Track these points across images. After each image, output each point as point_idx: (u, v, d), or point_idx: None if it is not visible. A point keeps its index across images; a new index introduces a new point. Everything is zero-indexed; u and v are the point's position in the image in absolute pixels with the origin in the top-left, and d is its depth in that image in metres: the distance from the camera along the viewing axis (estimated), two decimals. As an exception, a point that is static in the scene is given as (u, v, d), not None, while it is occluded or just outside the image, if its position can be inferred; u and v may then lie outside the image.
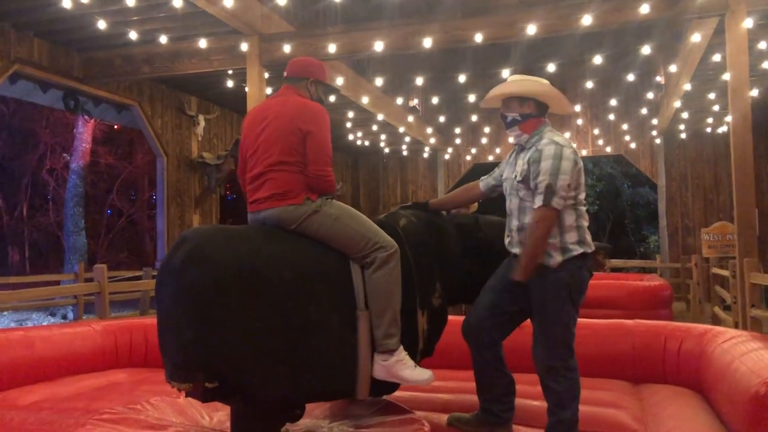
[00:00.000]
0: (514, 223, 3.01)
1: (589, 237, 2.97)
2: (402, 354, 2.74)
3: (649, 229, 22.76)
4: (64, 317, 12.89)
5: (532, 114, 3.01)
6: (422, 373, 2.78)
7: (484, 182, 3.36)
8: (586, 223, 2.97)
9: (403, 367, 2.72)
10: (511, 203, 3.02)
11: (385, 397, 3.20)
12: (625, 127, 13.10)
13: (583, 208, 2.97)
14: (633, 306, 7.26)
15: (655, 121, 12.50)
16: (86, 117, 10.44)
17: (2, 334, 4.21)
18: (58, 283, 11.43)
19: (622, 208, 24.44)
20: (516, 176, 2.97)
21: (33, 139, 19.31)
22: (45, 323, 12.28)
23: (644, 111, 12.60)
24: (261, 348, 2.51)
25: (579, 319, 4.18)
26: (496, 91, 3.06)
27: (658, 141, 13.09)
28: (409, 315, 2.87)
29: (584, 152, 13.94)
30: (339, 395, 2.84)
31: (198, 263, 2.49)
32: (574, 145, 3.00)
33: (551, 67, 8.97)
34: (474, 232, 3.27)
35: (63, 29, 7.54)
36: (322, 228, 2.75)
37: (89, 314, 9.19)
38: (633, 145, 13.30)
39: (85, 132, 16.33)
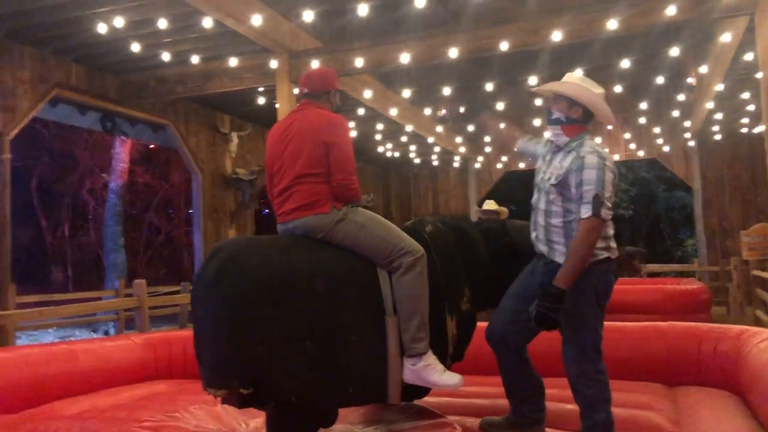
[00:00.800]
0: (540, 221, 3.03)
1: (613, 243, 2.99)
2: (431, 358, 2.78)
3: (685, 233, 22.38)
4: (106, 333, 13.18)
5: (578, 120, 3.01)
6: (452, 378, 2.81)
7: (523, 141, 3.45)
8: (611, 231, 2.99)
9: (432, 371, 2.76)
10: (539, 201, 3.04)
11: (418, 402, 3.24)
12: (656, 130, 12.95)
13: (610, 216, 2.99)
14: (670, 310, 7.16)
15: (687, 124, 12.33)
16: (123, 138, 10.75)
17: (47, 347, 4.36)
18: (99, 299, 11.70)
19: (657, 212, 24.10)
20: (550, 178, 2.97)
21: (73, 160, 19.86)
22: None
23: (676, 113, 12.44)
24: (293, 354, 2.58)
25: (612, 323, 4.19)
26: (552, 86, 3.06)
27: (691, 143, 12.90)
28: (437, 320, 2.91)
29: (616, 157, 13.81)
30: (371, 400, 2.89)
31: (230, 273, 2.58)
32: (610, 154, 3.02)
33: (578, 72, 8.93)
34: (501, 236, 3.30)
35: (99, 53, 7.79)
36: (349, 235, 2.82)
37: (130, 330, 9.40)
38: (666, 149, 13.13)
39: (122, 152, 16.77)
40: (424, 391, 2.99)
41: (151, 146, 17.75)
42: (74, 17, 6.64)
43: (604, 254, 2.92)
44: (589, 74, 9.64)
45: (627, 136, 13.30)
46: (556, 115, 3.04)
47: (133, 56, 7.72)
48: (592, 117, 3.07)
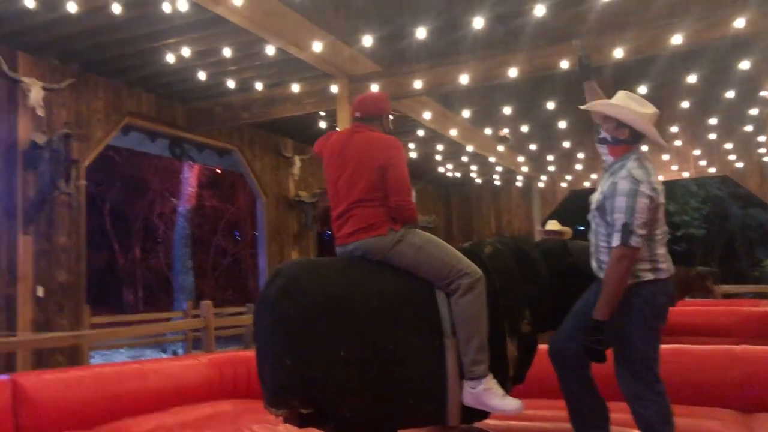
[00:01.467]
0: (592, 240, 3.02)
1: (666, 264, 2.91)
2: (491, 382, 2.75)
3: (763, 252, 21.42)
4: (174, 353, 13.53)
5: (625, 140, 2.97)
6: (511, 403, 2.77)
7: None
8: (662, 250, 2.91)
9: (491, 395, 2.73)
10: (592, 221, 3.03)
11: (477, 424, 3.21)
12: (728, 146, 12.50)
13: (662, 236, 2.91)
14: (746, 333, 6.85)
15: (762, 138, 11.86)
16: (191, 163, 11.10)
17: (119, 367, 4.52)
18: (168, 320, 12.04)
19: (731, 231, 23.18)
20: (592, 203, 2.97)
21: (144, 185, 20.62)
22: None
23: (749, 128, 11.99)
24: (351, 375, 2.61)
25: (682, 346, 4.05)
26: (598, 106, 3.03)
27: (767, 159, 12.40)
28: (497, 342, 2.88)
29: (686, 174, 13.40)
30: (430, 422, 2.88)
31: (291, 296, 2.64)
32: (660, 178, 2.95)
33: (642, 89, 8.75)
34: (562, 257, 3.25)
35: (168, 82, 8.10)
36: (407, 257, 2.83)
37: (197, 350, 9.63)
38: (739, 165, 12.66)
39: (190, 177, 17.33)
40: (483, 413, 2.95)
41: (218, 171, 18.28)
42: (145, 49, 6.95)
43: (650, 276, 2.86)
44: (654, 90, 9.45)
45: (697, 152, 12.89)
46: (603, 134, 3.01)
47: (199, 84, 8.00)
48: (642, 137, 3.00)
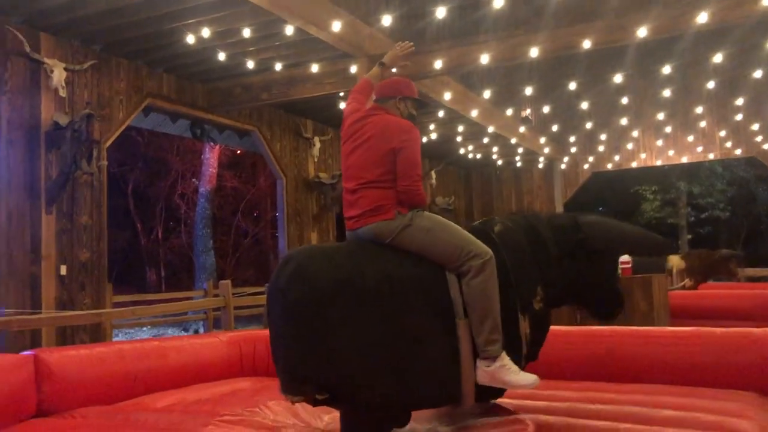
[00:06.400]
0: None
1: None
2: (505, 359, 2.76)
3: (789, 235, 21.09)
4: (196, 332, 13.71)
5: None
6: (527, 378, 2.78)
7: None
8: None
9: (506, 371, 2.74)
10: None
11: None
12: (755, 127, 12.27)
13: None
14: (769, 317, 6.79)
15: (790, 119, 11.64)
16: (212, 143, 11.15)
17: (139, 344, 4.59)
18: (189, 299, 12.19)
19: (757, 214, 22.83)
20: None
21: (165, 166, 20.77)
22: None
23: (777, 109, 11.77)
24: (365, 359, 2.61)
25: (703, 329, 4.02)
26: None
27: (794, 140, 12.17)
28: (509, 320, 2.87)
29: (711, 156, 13.20)
30: (445, 402, 2.88)
31: (301, 282, 2.64)
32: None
33: (666, 69, 8.62)
34: (574, 233, 3.18)
35: (188, 63, 8.12)
36: (416, 240, 2.83)
37: (218, 329, 9.74)
38: (766, 146, 12.43)
39: (211, 158, 17.40)
40: (498, 392, 2.96)
41: (238, 151, 18.36)
42: (164, 30, 6.96)
43: None
44: (678, 71, 9.25)
45: (722, 133, 12.68)
46: None
47: (219, 65, 8.01)
48: None
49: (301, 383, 2.64)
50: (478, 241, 2.85)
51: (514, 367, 2.77)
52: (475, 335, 2.74)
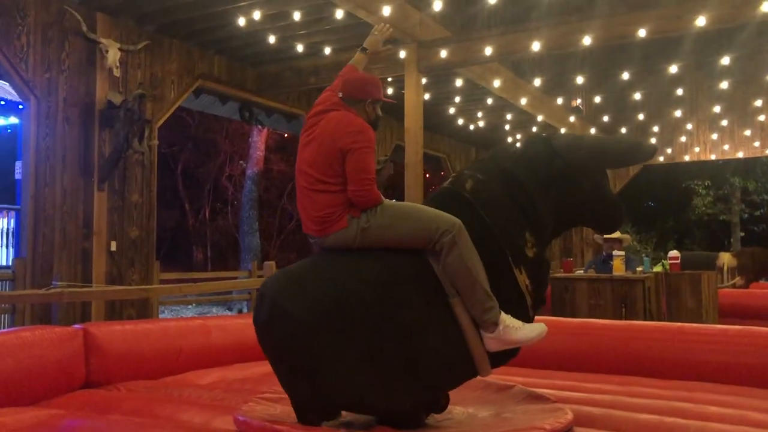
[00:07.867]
0: None
1: None
2: (507, 320, 2.68)
3: None
4: (240, 311, 13.94)
5: None
6: (533, 329, 2.73)
7: None
8: None
9: (511, 331, 2.68)
10: None
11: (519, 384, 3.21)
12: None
13: None
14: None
15: None
16: (260, 127, 11.24)
17: (184, 322, 4.68)
18: (234, 279, 12.38)
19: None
20: None
21: (214, 148, 21.07)
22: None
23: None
24: (370, 372, 2.56)
25: (749, 327, 3.90)
26: None
27: None
28: (505, 275, 2.76)
29: (768, 151, 12.76)
30: (464, 380, 2.82)
31: (280, 318, 2.56)
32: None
33: (725, 61, 8.33)
34: (550, 161, 2.97)
35: (238, 46, 8.20)
36: (381, 240, 2.72)
37: (261, 309, 9.88)
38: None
39: (258, 141, 17.58)
40: (511, 353, 2.84)
41: (285, 135, 18.49)
42: (216, 12, 7.04)
43: None
44: (738, 63, 8.94)
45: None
46: None
47: (269, 48, 8.07)
48: None
49: (313, 415, 2.61)
50: (443, 215, 2.71)
51: (517, 323, 2.69)
52: (469, 309, 2.65)
